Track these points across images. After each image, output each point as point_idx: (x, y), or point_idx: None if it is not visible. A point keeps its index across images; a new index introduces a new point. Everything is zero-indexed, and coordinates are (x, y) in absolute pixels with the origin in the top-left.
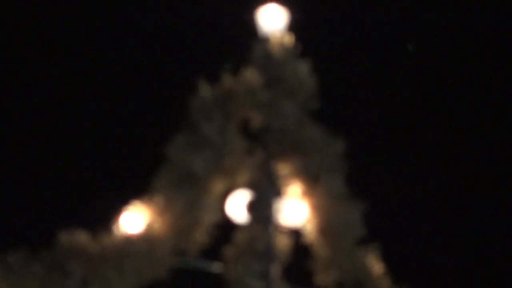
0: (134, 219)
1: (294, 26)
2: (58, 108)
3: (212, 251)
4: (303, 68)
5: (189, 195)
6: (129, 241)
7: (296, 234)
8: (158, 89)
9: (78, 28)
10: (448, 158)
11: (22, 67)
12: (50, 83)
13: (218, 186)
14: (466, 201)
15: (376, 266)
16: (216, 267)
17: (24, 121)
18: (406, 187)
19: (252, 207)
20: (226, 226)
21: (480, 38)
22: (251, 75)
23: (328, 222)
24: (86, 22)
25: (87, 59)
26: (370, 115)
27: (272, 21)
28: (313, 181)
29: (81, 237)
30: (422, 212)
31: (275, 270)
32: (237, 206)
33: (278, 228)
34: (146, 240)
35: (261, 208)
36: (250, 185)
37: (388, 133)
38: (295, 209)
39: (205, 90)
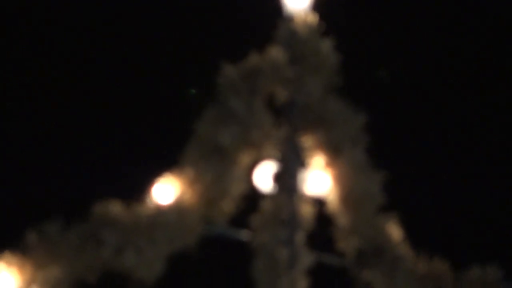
0: (165, 191)
1: (318, 6)
2: (94, 81)
3: (240, 220)
4: (326, 46)
5: (217, 167)
6: (161, 211)
7: (319, 203)
8: (189, 68)
9: None
10: (468, 125)
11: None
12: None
13: (245, 158)
14: (486, 168)
15: (395, 233)
16: (243, 235)
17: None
18: (424, 158)
19: (278, 178)
20: (253, 196)
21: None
22: (276, 53)
23: (349, 192)
24: None
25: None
26: (389, 90)
27: (297, 0)
28: (335, 153)
29: (115, 208)
30: (439, 181)
31: (299, 237)
32: (264, 177)
33: (302, 197)
34: (176, 210)
35: (286, 179)
36: (276, 157)
37: (407, 106)
38: (318, 180)
39: (232, 67)
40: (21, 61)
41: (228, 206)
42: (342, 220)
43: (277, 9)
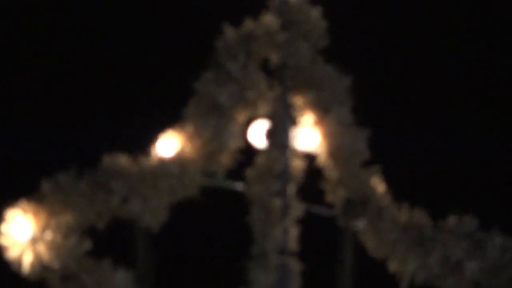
0: (168, 145)
1: None
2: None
3: (236, 173)
4: (315, 13)
5: (216, 124)
6: (164, 164)
7: (309, 157)
8: (189, 32)
9: None
10: (445, 86)
11: None
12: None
13: (241, 116)
14: (464, 124)
15: (379, 185)
16: (239, 186)
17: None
18: (407, 117)
19: (271, 134)
20: (248, 151)
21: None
22: (269, 19)
23: (337, 147)
24: None
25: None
26: (374, 54)
27: None
28: (324, 112)
29: (122, 160)
30: (419, 138)
31: (291, 189)
32: (258, 133)
33: (293, 152)
34: (178, 162)
35: (279, 135)
36: (269, 115)
37: (391, 68)
38: (308, 136)
39: (229, 32)
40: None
41: (225, 159)
42: (330, 173)
43: None
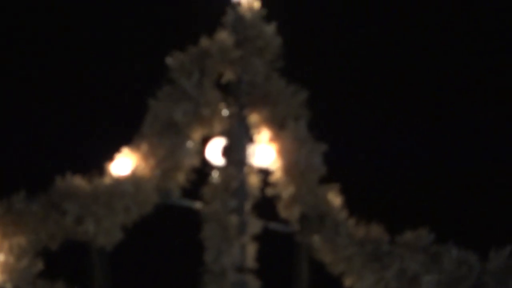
0: (123, 163)
1: None
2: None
3: (193, 191)
4: (270, 30)
5: (171, 142)
6: (118, 183)
7: (265, 174)
8: (144, 49)
9: None
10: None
11: None
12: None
13: (196, 133)
14: (421, 138)
15: (335, 200)
16: (196, 204)
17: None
18: (363, 131)
19: (227, 152)
20: (204, 169)
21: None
22: (223, 36)
23: (293, 163)
24: None
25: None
26: (329, 68)
27: None
28: (279, 128)
29: (75, 180)
30: (377, 151)
31: (248, 206)
32: (214, 151)
33: (250, 169)
34: (133, 181)
35: (235, 152)
36: (225, 132)
37: (345, 81)
38: (264, 153)
39: (181, 53)
40: None
41: (181, 177)
42: (287, 189)
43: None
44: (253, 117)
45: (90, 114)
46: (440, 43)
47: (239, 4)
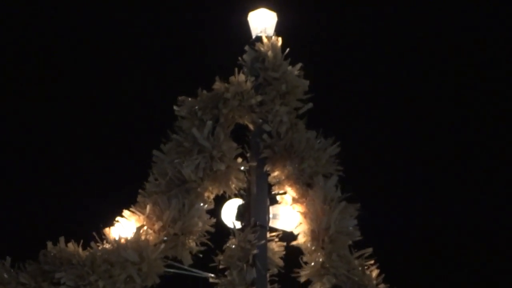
0: (125, 226)
1: (285, 30)
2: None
3: (206, 259)
4: (295, 71)
5: (180, 201)
6: (119, 249)
7: (289, 240)
8: (146, 93)
9: None
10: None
11: None
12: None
13: (210, 192)
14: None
15: (372, 270)
16: (210, 275)
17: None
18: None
19: (245, 214)
20: (220, 233)
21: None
22: (242, 78)
23: (322, 227)
24: None
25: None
26: (365, 117)
27: (263, 24)
28: (306, 186)
29: (69, 246)
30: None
31: (268, 276)
32: (231, 212)
33: (271, 234)
34: (136, 247)
35: (254, 215)
36: (243, 191)
37: (383, 135)
38: (288, 215)
39: (192, 99)
40: None
41: (192, 243)
42: (315, 257)
43: (243, 33)
44: (276, 174)
45: (86, 167)
46: None
47: (259, 41)
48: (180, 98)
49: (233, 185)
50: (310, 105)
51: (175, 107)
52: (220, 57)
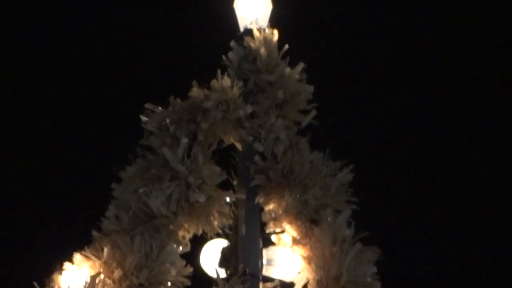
0: (76, 274)
1: (282, 20)
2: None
3: None
4: (295, 74)
5: (147, 242)
6: None
7: None
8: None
9: None
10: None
11: None
12: None
13: (185, 230)
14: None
15: None
16: None
17: None
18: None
19: (231, 259)
20: (199, 284)
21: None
22: (226, 83)
23: (331, 276)
24: None
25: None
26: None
27: (254, 13)
28: (310, 223)
29: None
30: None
31: None
32: (212, 257)
33: (265, 284)
34: None
35: (243, 260)
36: (228, 230)
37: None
38: (287, 261)
39: (162, 110)
40: None
41: None
42: None
43: (229, 26)
44: (271, 207)
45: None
46: None
47: (248, 35)
48: (147, 106)
49: (216, 222)
50: (313, 113)
51: (141, 118)
52: (199, 55)
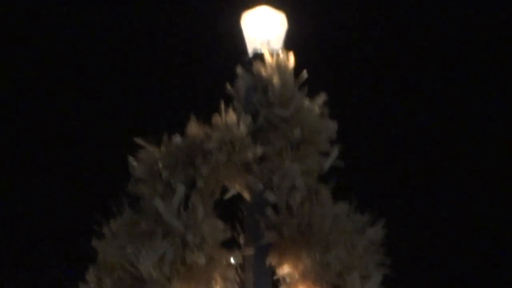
0: None
1: (300, 41)
2: None
3: None
4: (315, 108)
5: None
6: None
7: None
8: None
9: None
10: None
11: None
12: None
13: None
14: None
15: None
16: None
17: None
18: None
19: None
20: None
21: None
22: (231, 119)
23: None
24: None
25: None
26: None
27: (265, 32)
28: None
29: None
30: None
31: None
32: None
33: None
34: None
35: None
36: None
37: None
38: None
39: (155, 149)
40: None
41: None
42: None
43: (235, 48)
44: (285, 270)
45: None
46: None
47: (259, 59)
48: (137, 141)
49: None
50: (336, 155)
51: (130, 161)
52: (199, 84)
